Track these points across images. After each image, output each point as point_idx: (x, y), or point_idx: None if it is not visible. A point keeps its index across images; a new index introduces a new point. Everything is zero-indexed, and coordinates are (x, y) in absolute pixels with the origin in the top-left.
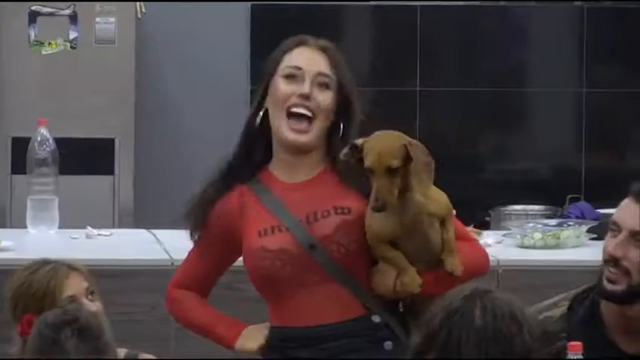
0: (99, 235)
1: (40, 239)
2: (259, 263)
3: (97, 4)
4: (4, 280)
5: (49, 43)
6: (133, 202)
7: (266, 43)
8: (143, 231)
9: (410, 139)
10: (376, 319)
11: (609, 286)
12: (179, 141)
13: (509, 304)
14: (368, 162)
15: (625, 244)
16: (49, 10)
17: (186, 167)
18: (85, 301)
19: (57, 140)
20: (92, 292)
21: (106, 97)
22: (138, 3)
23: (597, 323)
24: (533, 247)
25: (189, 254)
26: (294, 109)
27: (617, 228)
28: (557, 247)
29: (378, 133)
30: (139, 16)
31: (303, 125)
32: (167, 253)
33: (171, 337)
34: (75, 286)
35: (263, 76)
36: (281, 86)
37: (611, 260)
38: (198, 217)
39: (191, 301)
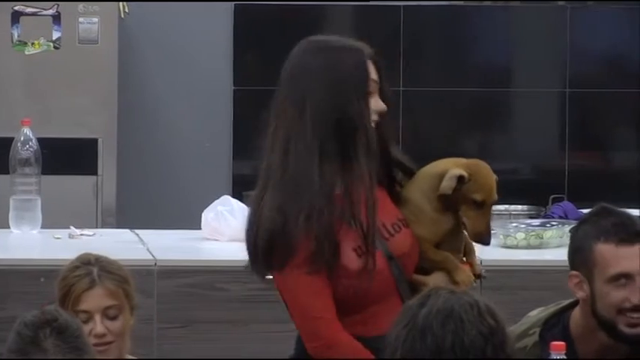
0: (82, 235)
1: (23, 239)
2: (362, 284)
3: (80, 4)
4: None
5: (32, 43)
6: (116, 202)
7: (249, 43)
8: (126, 231)
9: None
10: None
11: (631, 331)
12: (162, 141)
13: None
14: (482, 196)
15: None
16: (32, 10)
17: (169, 167)
18: (97, 318)
19: (40, 140)
20: (118, 307)
21: (90, 97)
22: (121, 3)
23: (571, 351)
24: (516, 247)
25: (313, 284)
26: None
27: (630, 279)
28: (540, 247)
29: (475, 162)
30: (123, 16)
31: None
32: (150, 253)
33: (154, 337)
34: (91, 302)
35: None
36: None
37: (636, 309)
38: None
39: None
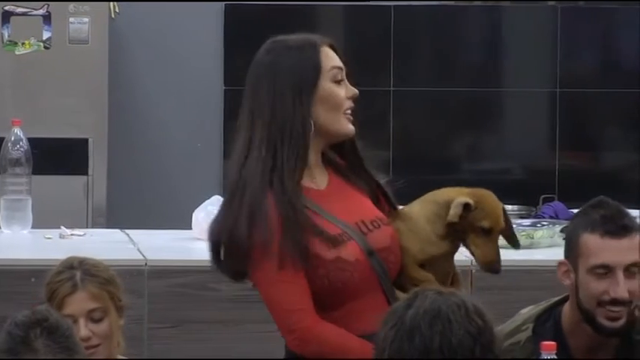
0: (72, 235)
1: (14, 239)
2: (338, 275)
3: (71, 4)
4: None
5: (23, 43)
6: (107, 202)
7: (239, 43)
8: (117, 231)
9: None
10: None
11: (610, 324)
12: (153, 141)
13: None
14: (490, 223)
15: (628, 283)
16: (23, 9)
17: (160, 167)
18: (81, 322)
19: (30, 140)
20: (102, 309)
21: (80, 97)
22: (112, 3)
23: (563, 345)
24: (507, 247)
25: (286, 279)
26: (349, 109)
27: (610, 270)
28: (530, 247)
29: (480, 191)
30: (113, 16)
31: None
32: (141, 253)
33: (144, 337)
34: (75, 306)
35: (298, 82)
36: (337, 91)
37: (619, 302)
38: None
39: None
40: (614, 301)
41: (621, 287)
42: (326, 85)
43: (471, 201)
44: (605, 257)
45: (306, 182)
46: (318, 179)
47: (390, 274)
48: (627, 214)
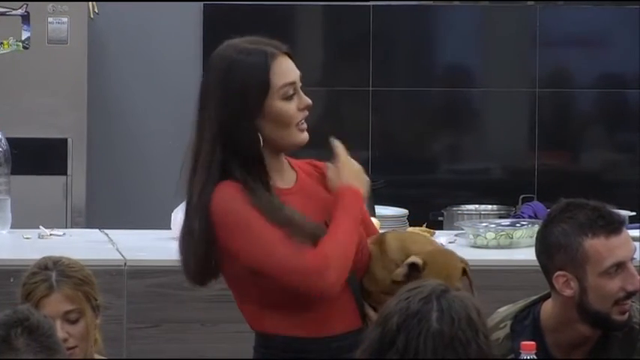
0: (51, 235)
1: None
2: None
3: (50, 4)
4: None
5: (1, 43)
6: (86, 202)
7: (218, 43)
8: (96, 231)
9: (460, 257)
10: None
11: (622, 318)
12: (132, 141)
13: (466, 306)
14: None
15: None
16: (1, 9)
17: (138, 167)
18: (57, 324)
19: (9, 140)
20: (78, 311)
21: (59, 97)
22: (90, 3)
23: (540, 343)
24: (487, 247)
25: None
26: (302, 120)
27: (621, 266)
28: (510, 246)
29: (440, 251)
30: (92, 16)
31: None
32: (120, 253)
33: (124, 337)
34: (51, 308)
35: (239, 102)
36: (286, 108)
37: (634, 293)
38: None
39: None
40: (630, 295)
41: (636, 278)
42: (274, 104)
43: (419, 261)
44: (617, 256)
45: (276, 182)
46: (285, 178)
47: (357, 273)
48: (608, 207)
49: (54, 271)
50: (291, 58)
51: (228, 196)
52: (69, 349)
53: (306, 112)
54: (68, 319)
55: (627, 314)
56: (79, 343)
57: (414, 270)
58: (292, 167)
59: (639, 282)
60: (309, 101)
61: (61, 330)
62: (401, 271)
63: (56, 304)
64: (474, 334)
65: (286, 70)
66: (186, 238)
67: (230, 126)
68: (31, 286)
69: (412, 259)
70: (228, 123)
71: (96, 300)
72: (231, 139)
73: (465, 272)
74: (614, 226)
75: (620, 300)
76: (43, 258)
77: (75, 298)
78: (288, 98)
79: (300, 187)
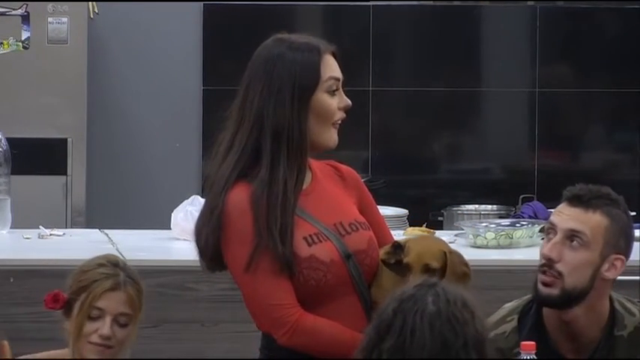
0: (51, 235)
1: None
2: (311, 274)
3: (50, 4)
4: None
5: (1, 43)
6: (86, 201)
7: (218, 43)
8: (96, 231)
9: (450, 249)
10: None
11: (545, 290)
12: (132, 141)
13: (461, 292)
14: (408, 258)
15: (560, 246)
16: (1, 9)
17: (139, 167)
18: (107, 320)
19: (9, 140)
20: (130, 317)
21: (59, 97)
22: (90, 3)
23: (542, 333)
24: (486, 247)
25: (268, 274)
26: (339, 120)
27: (553, 231)
28: (510, 246)
29: (421, 235)
30: (92, 16)
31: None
32: (120, 253)
33: None
34: (110, 303)
35: (298, 89)
36: (329, 102)
37: (546, 263)
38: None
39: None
40: (544, 262)
41: (554, 248)
42: (320, 96)
43: (400, 242)
44: (551, 219)
45: None
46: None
47: (365, 277)
48: (593, 189)
49: (123, 271)
50: (335, 59)
51: (237, 212)
52: (107, 347)
53: (344, 114)
54: (119, 321)
55: (549, 288)
56: (117, 346)
57: (398, 249)
58: (310, 168)
59: (548, 250)
60: (349, 102)
61: (108, 327)
62: (384, 251)
63: (117, 302)
64: (470, 316)
65: (333, 66)
66: (207, 214)
67: (278, 116)
68: (97, 275)
69: (399, 241)
70: (275, 113)
71: (140, 312)
72: (278, 129)
73: (445, 257)
74: (568, 196)
75: (539, 267)
76: (110, 254)
77: (133, 303)
78: (332, 93)
79: (313, 188)
